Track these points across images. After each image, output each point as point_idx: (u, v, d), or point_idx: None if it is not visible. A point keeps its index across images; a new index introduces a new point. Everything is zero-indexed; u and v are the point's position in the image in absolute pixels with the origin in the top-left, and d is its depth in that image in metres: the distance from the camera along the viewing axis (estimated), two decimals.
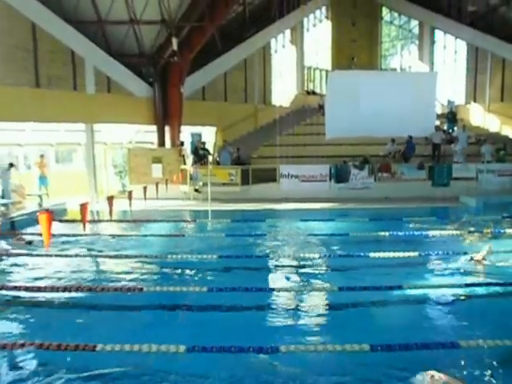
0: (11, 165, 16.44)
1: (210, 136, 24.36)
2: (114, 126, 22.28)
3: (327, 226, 13.61)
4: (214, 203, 15.95)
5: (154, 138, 21.81)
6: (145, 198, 15.96)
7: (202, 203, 17.44)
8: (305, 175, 19.43)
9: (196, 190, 19.39)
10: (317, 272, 9.05)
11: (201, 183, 19.12)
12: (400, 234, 11.57)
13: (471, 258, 9.23)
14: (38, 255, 10.10)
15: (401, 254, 9.31)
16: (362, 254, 9.52)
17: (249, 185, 19.53)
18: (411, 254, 9.52)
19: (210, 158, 20.32)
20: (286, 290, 8.01)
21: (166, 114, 21.24)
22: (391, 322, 6.68)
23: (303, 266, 9.32)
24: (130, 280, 8.53)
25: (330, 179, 19.46)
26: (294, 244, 11.44)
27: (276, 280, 8.74)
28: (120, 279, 8.61)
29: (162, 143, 21.45)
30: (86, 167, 20.52)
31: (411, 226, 12.92)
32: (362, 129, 19.16)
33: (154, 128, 21.61)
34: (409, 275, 8.58)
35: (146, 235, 12.60)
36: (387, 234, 11.47)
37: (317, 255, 9.92)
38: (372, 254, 9.30)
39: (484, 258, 9.15)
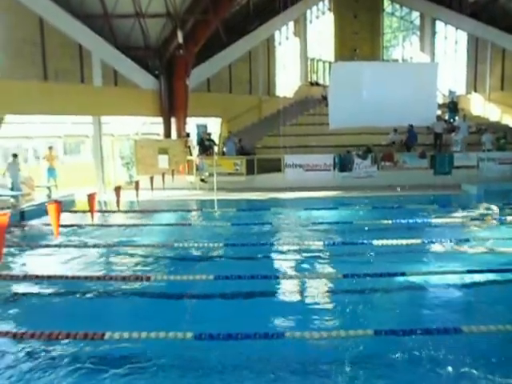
0: (15, 155, 16.37)
1: (215, 127, 24.32)
2: (121, 118, 22.27)
3: (331, 214, 13.60)
4: (219, 193, 15.94)
5: (160, 129, 21.77)
6: (151, 189, 15.94)
7: (207, 193, 17.44)
8: (309, 165, 19.43)
9: (202, 180, 19.41)
10: (321, 259, 9.01)
11: (207, 173, 19.14)
12: (403, 221, 11.52)
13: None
14: (47, 245, 10.06)
15: (404, 242, 9.21)
16: (365, 241, 9.47)
17: (254, 174, 19.55)
18: (414, 241, 9.43)
19: (216, 149, 20.35)
20: (291, 277, 7.98)
21: (171, 106, 21.19)
22: (395, 308, 6.63)
23: (308, 254, 9.28)
24: (138, 270, 8.49)
25: (334, 168, 19.48)
26: (299, 232, 11.43)
27: (281, 268, 8.70)
28: (128, 268, 8.58)
29: (168, 134, 21.43)
30: (93, 159, 20.53)
31: (414, 213, 12.90)
32: (365, 119, 19.10)
33: (160, 120, 21.58)
34: (412, 262, 8.53)
35: (153, 225, 12.60)
36: (390, 221, 11.45)
37: (321, 243, 9.85)
38: (375, 242, 9.23)
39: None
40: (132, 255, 9.57)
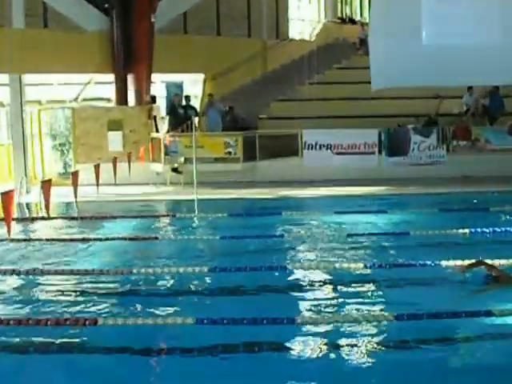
0: None
1: (195, 88, 24.38)
2: (53, 77, 22.26)
3: (376, 221, 13.70)
4: (201, 189, 15.87)
5: (111, 92, 21.79)
6: (97, 184, 15.76)
7: (183, 190, 17.54)
8: (341, 145, 19.40)
9: (175, 170, 19.45)
10: (361, 292, 8.94)
11: (182, 159, 19.16)
12: (487, 231, 11.48)
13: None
14: None
15: (490, 262, 9.07)
16: (429, 262, 9.47)
17: (255, 160, 19.58)
18: (506, 261, 9.31)
19: (197, 121, 20.27)
20: (315, 322, 7.75)
21: (128, 56, 21.12)
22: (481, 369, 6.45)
23: (340, 284, 9.22)
24: (77, 309, 8.36)
25: (380, 151, 19.46)
26: (326, 249, 11.41)
27: (298, 308, 8.54)
28: (63, 307, 8.46)
29: (122, 100, 21.42)
30: (10, 139, 20.49)
31: (503, 219, 12.89)
32: (426, 73, 18.75)
33: (110, 77, 21.61)
34: (504, 294, 8.37)
35: (99, 239, 12.53)
36: (467, 231, 11.42)
37: (360, 265, 9.86)
38: (445, 263, 9.22)
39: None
40: (68, 287, 9.50)
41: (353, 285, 9.20)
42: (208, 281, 9.61)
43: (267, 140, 19.76)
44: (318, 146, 19.45)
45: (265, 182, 18.67)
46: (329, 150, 19.43)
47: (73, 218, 14.67)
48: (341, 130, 19.82)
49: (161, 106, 21.93)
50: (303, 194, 17.04)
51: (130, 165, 17.72)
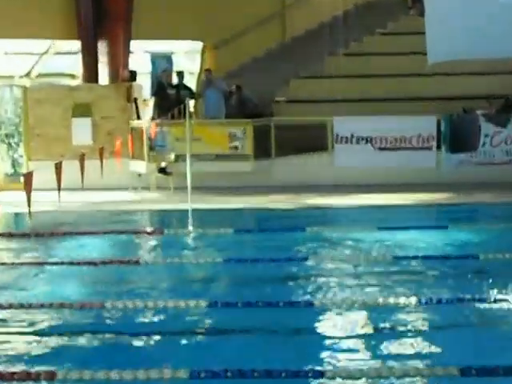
0: None
1: (190, 61, 24.64)
2: None
3: (434, 239, 13.63)
4: (198, 196, 16.01)
5: (77, 65, 21.95)
6: (58, 189, 15.75)
7: (173, 196, 17.69)
8: (386, 137, 19.50)
9: (162, 171, 19.63)
10: (415, 338, 8.81)
11: (171, 156, 19.39)
12: None
13: None
14: None
15: None
16: (506, 297, 9.48)
17: (270, 158, 19.78)
18: None
19: (192, 105, 20.37)
20: (354, 376, 7.73)
21: (99, 17, 21.27)
22: None
23: (386, 327, 9.14)
24: (32, 357, 8.27)
25: (439, 146, 19.51)
26: (366, 280, 11.37)
27: (331, 358, 8.47)
28: (8, 357, 8.34)
29: (91, 76, 21.57)
30: None
31: None
32: (502, 42, 18.85)
33: (75, 45, 21.75)
34: None
35: (60, 263, 12.53)
36: None
37: (413, 300, 9.76)
38: None
39: None
40: (16, 326, 9.42)
41: (402, 327, 9.16)
42: (207, 320, 9.51)
43: (286, 131, 19.78)
44: (354, 140, 19.54)
45: (283, 187, 18.73)
46: (369, 145, 19.51)
47: (24, 235, 14.70)
48: (385, 117, 19.90)
49: (144, 84, 22.12)
50: (334, 203, 17.03)
51: (102, 163, 17.73)
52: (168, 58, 22.77)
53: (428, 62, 19.80)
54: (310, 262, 12.23)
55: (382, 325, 9.25)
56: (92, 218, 16.21)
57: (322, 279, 11.46)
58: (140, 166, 19.86)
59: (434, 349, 8.56)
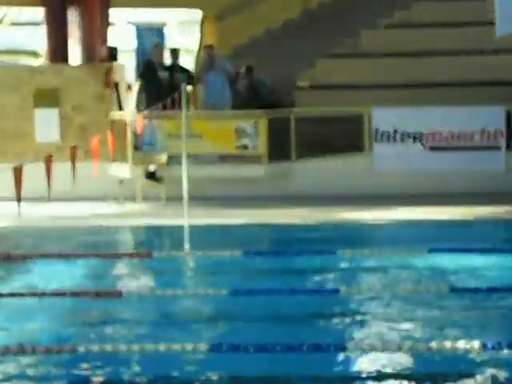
0: None
1: (186, 36, 25.09)
2: None
3: (503, 265, 13.78)
4: (196, 209, 16.31)
5: (39, 39, 22.27)
6: (18, 199, 16.11)
7: (165, 209, 17.95)
8: (439, 134, 19.71)
9: (151, 176, 19.86)
10: None
11: (163, 158, 19.65)
12: None
13: None
14: None
15: None
16: None
17: (289, 160, 19.98)
18: None
19: (190, 92, 20.58)
20: None
21: None
22: None
23: (439, 379, 9.08)
24: None
25: (509, 144, 19.73)
26: (414, 317, 11.45)
27: None
28: None
29: (59, 54, 21.78)
30: None
31: None
32: None
33: (38, 13, 22.12)
34: None
35: (20, 294, 12.54)
36: None
37: (475, 346, 9.48)
38: None
39: None
40: None
41: (463, 379, 8.88)
42: (209, 367, 9.17)
43: (309, 125, 20.03)
44: (397, 136, 19.77)
45: (305, 198, 18.91)
46: (418, 143, 19.73)
47: None
48: (438, 107, 20.09)
49: (127, 65, 22.40)
50: (372, 218, 17.19)
51: (74, 166, 18.12)
52: (158, 32, 22.96)
53: (496, 35, 20.10)
54: (341, 295, 12.14)
55: (435, 375, 9.16)
56: (61, 236, 16.24)
57: (357, 317, 11.47)
58: (123, 170, 20.04)
59: None
